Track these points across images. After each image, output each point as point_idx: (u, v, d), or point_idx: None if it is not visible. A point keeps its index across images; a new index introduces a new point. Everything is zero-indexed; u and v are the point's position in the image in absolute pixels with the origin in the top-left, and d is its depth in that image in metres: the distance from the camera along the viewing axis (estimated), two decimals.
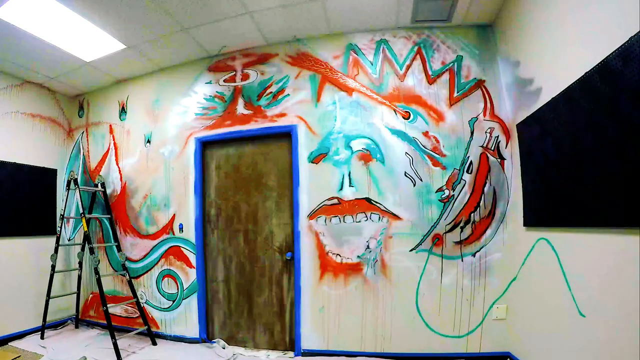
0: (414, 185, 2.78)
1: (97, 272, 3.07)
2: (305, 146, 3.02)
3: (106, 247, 3.71)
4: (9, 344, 3.22)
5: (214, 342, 3.14)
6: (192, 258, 3.29)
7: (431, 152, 2.78)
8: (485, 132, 2.71)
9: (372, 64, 2.97)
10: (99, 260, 3.23)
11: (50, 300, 3.40)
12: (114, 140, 3.82)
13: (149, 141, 3.60)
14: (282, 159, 3.14)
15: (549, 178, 2.08)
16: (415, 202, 2.76)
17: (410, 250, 2.74)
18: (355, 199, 2.86)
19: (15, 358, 2.88)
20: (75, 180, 3.36)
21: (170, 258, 3.38)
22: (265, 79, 3.22)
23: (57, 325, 3.70)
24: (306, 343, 2.89)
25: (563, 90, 1.88)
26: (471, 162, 2.71)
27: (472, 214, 2.67)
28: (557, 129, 1.96)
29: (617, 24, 1.49)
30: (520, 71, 2.43)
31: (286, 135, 3.10)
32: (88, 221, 3.45)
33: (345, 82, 3.00)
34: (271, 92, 3.18)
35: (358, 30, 3.01)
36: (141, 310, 3.32)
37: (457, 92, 2.80)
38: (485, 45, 2.81)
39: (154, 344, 3.21)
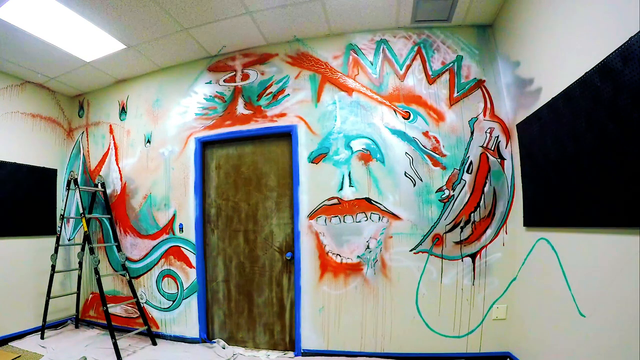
0: (414, 185, 2.78)
1: (97, 272, 3.07)
2: (305, 146, 3.02)
3: (106, 247, 3.71)
4: (9, 344, 3.22)
5: (214, 342, 3.14)
6: (192, 258, 3.29)
7: (431, 152, 2.78)
8: (485, 132, 2.71)
9: (372, 64, 2.97)
10: (99, 260, 3.22)
11: (50, 300, 3.40)
12: (114, 140, 3.82)
13: (149, 141, 3.60)
14: (282, 158, 3.14)
15: (549, 178, 2.08)
16: (415, 202, 2.76)
17: (410, 250, 2.74)
18: (355, 199, 2.86)
19: (15, 358, 2.88)
20: (75, 180, 3.36)
21: (170, 258, 3.38)
22: (265, 79, 3.22)
23: (57, 325, 3.70)
24: (306, 343, 2.89)
25: (563, 90, 1.88)
26: (471, 162, 2.71)
27: (472, 214, 2.67)
28: (557, 129, 1.96)
29: (617, 24, 1.49)
30: (520, 71, 2.43)
31: (286, 135, 3.10)
32: (88, 221, 3.45)
33: (345, 82, 3.00)
34: (271, 92, 3.18)
35: (358, 30, 3.01)
36: (141, 310, 3.32)
37: (457, 92, 2.80)
38: (485, 45, 2.81)
39: (154, 344, 3.21)
